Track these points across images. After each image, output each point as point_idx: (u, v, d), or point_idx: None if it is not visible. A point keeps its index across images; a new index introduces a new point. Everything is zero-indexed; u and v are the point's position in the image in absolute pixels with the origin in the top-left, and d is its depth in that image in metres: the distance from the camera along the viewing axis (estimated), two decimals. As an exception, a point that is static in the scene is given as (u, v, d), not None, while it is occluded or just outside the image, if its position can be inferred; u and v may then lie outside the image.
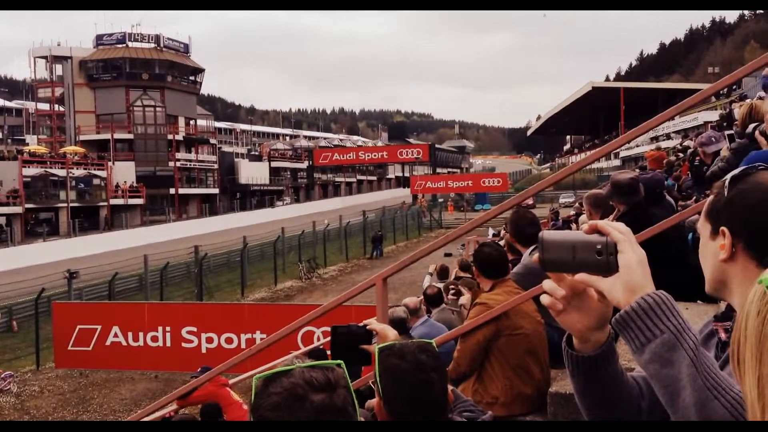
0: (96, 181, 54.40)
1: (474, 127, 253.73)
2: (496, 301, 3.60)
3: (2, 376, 15.30)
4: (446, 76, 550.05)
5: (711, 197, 1.23)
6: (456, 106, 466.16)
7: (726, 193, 1.18)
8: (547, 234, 1.15)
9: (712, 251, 1.20)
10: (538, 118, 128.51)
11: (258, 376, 1.21)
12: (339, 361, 1.33)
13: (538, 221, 4.46)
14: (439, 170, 74.63)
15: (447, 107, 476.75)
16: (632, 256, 1.09)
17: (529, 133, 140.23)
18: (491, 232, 19.57)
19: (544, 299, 1.17)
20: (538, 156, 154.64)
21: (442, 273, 8.78)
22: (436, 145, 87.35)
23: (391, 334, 2.13)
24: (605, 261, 1.10)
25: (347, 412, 1.20)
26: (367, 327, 2.19)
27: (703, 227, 1.24)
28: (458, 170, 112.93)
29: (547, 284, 1.16)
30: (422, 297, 6.47)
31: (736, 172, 1.19)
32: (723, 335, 1.27)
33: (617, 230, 1.11)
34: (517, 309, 3.59)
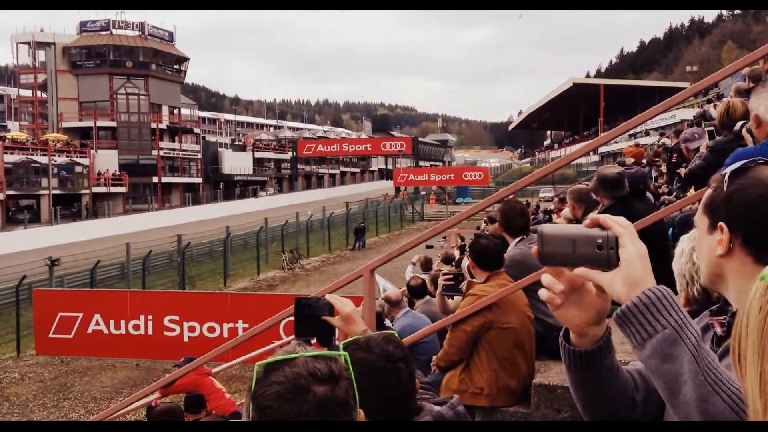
0: (78, 169, 53.74)
1: (457, 121, 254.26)
2: (488, 293, 3.60)
3: (-18, 363, 15.10)
4: (430, 70, 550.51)
5: (709, 191, 1.22)
6: (439, 99, 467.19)
7: (725, 188, 1.17)
8: (547, 227, 1.13)
9: (709, 245, 1.19)
10: (520, 113, 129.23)
11: (260, 363, 1.18)
12: (342, 352, 1.31)
13: (527, 213, 4.46)
14: (421, 163, 74.80)
15: (430, 101, 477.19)
16: (633, 250, 1.07)
17: (510, 127, 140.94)
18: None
19: (543, 294, 1.15)
20: (519, 150, 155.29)
21: (426, 265, 8.78)
22: (420, 138, 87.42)
23: (348, 308, 2.12)
24: (606, 255, 1.08)
25: (348, 405, 1.19)
26: (327, 300, 2.20)
27: (701, 221, 1.22)
28: (441, 163, 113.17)
29: (546, 279, 1.14)
30: (405, 288, 6.47)
31: (736, 166, 1.18)
32: (719, 329, 1.26)
33: (619, 224, 1.09)
34: (508, 302, 3.60)
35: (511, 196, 4.33)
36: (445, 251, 8.08)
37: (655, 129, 58.88)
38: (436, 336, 4.54)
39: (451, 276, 4.24)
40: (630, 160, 8.10)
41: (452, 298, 4.24)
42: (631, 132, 61.86)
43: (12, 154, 48.58)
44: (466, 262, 4.13)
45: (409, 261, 11.10)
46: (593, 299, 1.13)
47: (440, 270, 6.00)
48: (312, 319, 2.15)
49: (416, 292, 6.05)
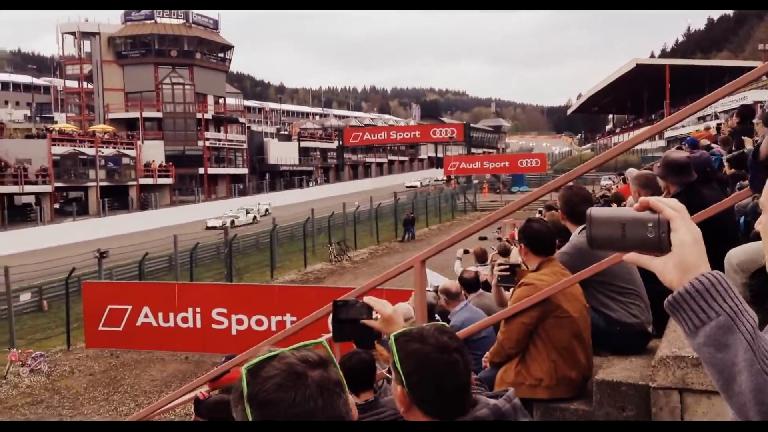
0: (125, 161, 55.27)
1: (511, 106, 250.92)
2: (544, 282, 3.57)
3: (33, 356, 15.72)
4: (482, 53, 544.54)
5: None
6: (492, 83, 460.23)
7: None
8: (596, 210, 1.13)
9: None
10: (579, 96, 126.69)
11: (245, 366, 1.23)
12: (320, 340, 1.39)
13: (592, 198, 4.38)
14: (474, 150, 74.26)
15: (483, 85, 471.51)
16: (686, 234, 1.06)
17: (569, 112, 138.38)
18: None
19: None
20: (578, 136, 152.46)
21: (482, 257, 8.71)
22: (471, 125, 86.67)
23: (388, 309, 2.13)
24: (657, 239, 1.07)
25: (342, 385, 1.25)
26: (365, 302, 2.21)
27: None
28: (494, 150, 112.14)
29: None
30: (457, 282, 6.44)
31: None
32: None
33: (670, 207, 1.08)
34: (564, 291, 3.57)
35: (571, 183, 4.25)
36: (502, 244, 8.00)
37: (725, 111, 57.04)
38: (493, 330, 4.53)
39: (507, 267, 4.22)
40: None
41: (508, 290, 4.22)
42: (700, 115, 60.14)
43: (59, 146, 50.24)
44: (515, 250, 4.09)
45: (455, 256, 11.00)
46: None
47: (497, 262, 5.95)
48: (350, 323, 2.16)
49: (469, 285, 6.03)
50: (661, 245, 1.07)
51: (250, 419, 1.20)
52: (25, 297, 20.63)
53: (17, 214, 45.95)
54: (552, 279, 3.60)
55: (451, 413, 1.66)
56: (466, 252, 10.24)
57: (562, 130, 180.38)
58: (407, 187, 65.29)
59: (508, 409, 1.73)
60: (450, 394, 1.66)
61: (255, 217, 45.28)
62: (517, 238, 3.91)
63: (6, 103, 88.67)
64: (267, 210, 48.32)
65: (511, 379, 3.59)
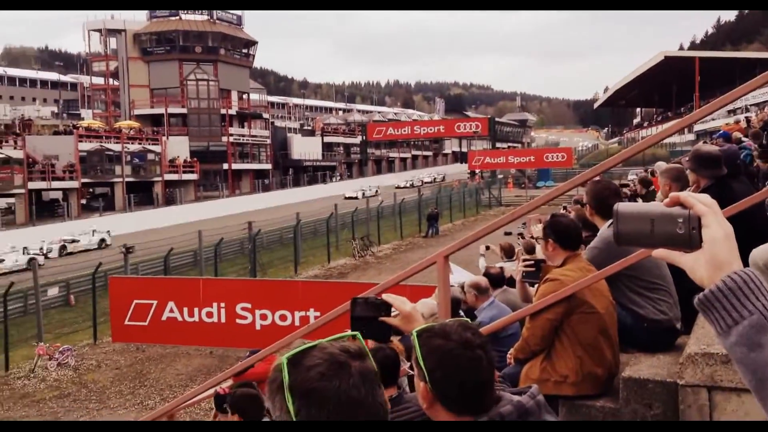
0: (150, 156, 55.92)
1: (537, 100, 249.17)
2: (569, 278, 3.54)
3: (60, 349, 15.99)
4: (507, 46, 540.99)
5: None
6: (517, 77, 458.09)
7: None
8: (623, 206, 1.11)
9: None
10: (606, 89, 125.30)
11: (285, 356, 1.24)
12: (354, 333, 1.38)
13: (621, 193, 4.32)
14: (498, 145, 73.77)
15: (507, 79, 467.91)
16: (718, 230, 1.04)
17: (595, 105, 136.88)
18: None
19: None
20: (605, 130, 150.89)
21: (509, 252, 8.64)
22: (496, 119, 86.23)
23: (408, 306, 2.12)
24: (687, 235, 1.05)
25: (378, 377, 1.27)
26: (384, 299, 2.21)
27: None
28: (519, 145, 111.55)
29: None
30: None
31: None
32: None
33: (702, 202, 1.05)
34: (590, 286, 3.53)
35: (598, 177, 4.19)
36: (527, 241, 7.94)
37: (756, 104, 56.06)
38: (519, 327, 4.50)
39: (532, 262, 4.19)
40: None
41: (533, 286, 4.20)
42: (730, 108, 59.22)
43: (86, 142, 50.98)
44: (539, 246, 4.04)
45: (479, 253, 10.95)
46: None
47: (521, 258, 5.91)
48: (368, 320, 2.16)
49: (494, 280, 5.99)
50: (691, 241, 1.05)
51: (291, 409, 1.20)
52: (53, 292, 20.97)
53: (45, 210, 46.76)
54: (578, 274, 3.57)
55: (474, 410, 1.65)
56: (487, 248, 10.18)
57: (588, 124, 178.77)
58: (346, 198, 55.86)
59: (532, 405, 1.70)
60: (473, 391, 1.65)
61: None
62: (536, 235, 3.85)
63: (34, 99, 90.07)
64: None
65: (536, 375, 3.57)
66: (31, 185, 46.35)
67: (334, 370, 1.20)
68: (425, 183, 68.15)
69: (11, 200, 46.82)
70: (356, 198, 53.16)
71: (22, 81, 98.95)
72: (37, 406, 13.41)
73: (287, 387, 1.21)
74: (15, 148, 46.42)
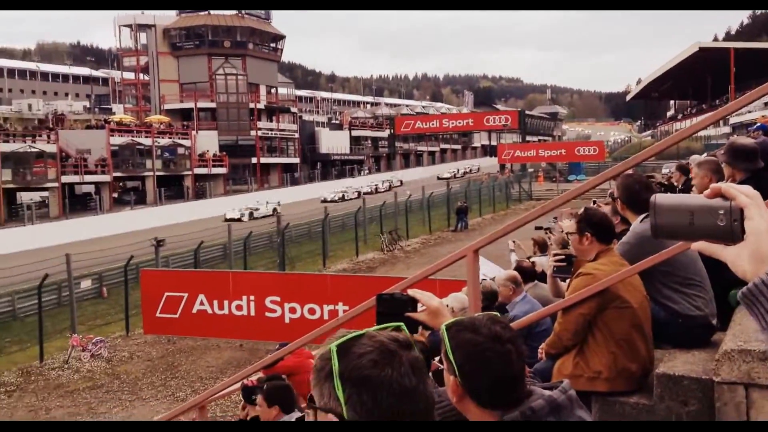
0: (180, 150, 56.57)
1: (567, 92, 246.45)
2: (603, 272, 3.52)
3: (94, 341, 16.30)
4: (536, 39, 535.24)
5: None
6: (547, 70, 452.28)
7: None
8: (660, 197, 1.09)
9: None
10: (639, 81, 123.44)
11: (334, 343, 1.24)
12: (399, 324, 1.40)
13: (653, 186, 4.26)
14: (529, 138, 73.27)
15: (537, 71, 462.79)
16: (761, 222, 1.02)
17: (628, 98, 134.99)
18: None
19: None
20: (638, 123, 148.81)
21: (543, 246, 8.58)
22: (526, 112, 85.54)
23: (434, 301, 2.12)
24: (729, 227, 1.03)
25: (426, 369, 1.28)
26: (410, 295, 2.20)
27: None
28: (550, 138, 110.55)
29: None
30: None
31: None
32: None
33: (744, 194, 1.03)
34: (624, 281, 3.50)
35: (630, 171, 4.14)
36: (560, 236, 7.86)
37: (796, 95, 54.72)
38: (550, 322, 4.48)
39: (563, 257, 4.16)
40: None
41: (564, 280, 4.16)
42: (766, 100, 57.87)
43: (117, 136, 51.73)
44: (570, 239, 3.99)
45: (509, 248, 10.86)
46: None
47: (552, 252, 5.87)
48: (394, 316, 2.16)
49: (526, 275, 5.96)
50: (733, 234, 1.03)
51: (341, 397, 1.20)
52: (86, 284, 21.33)
53: (78, 203, 47.62)
54: (611, 269, 3.54)
55: (504, 404, 1.63)
56: (514, 242, 10.10)
57: (620, 117, 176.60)
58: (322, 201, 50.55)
59: (564, 400, 1.67)
60: (503, 385, 1.64)
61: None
62: (570, 230, 3.80)
63: (66, 95, 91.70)
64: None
65: (568, 371, 3.54)
66: (65, 179, 47.20)
67: (386, 359, 1.21)
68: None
69: (45, 194, 47.80)
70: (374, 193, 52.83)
71: (55, 76, 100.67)
72: (71, 397, 13.68)
73: (337, 374, 1.21)
74: (48, 142, 47.29)
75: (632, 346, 3.48)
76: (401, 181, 63.46)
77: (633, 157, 3.99)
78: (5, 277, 19.97)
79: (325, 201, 49.01)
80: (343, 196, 53.86)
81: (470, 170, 72.15)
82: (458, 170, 71.83)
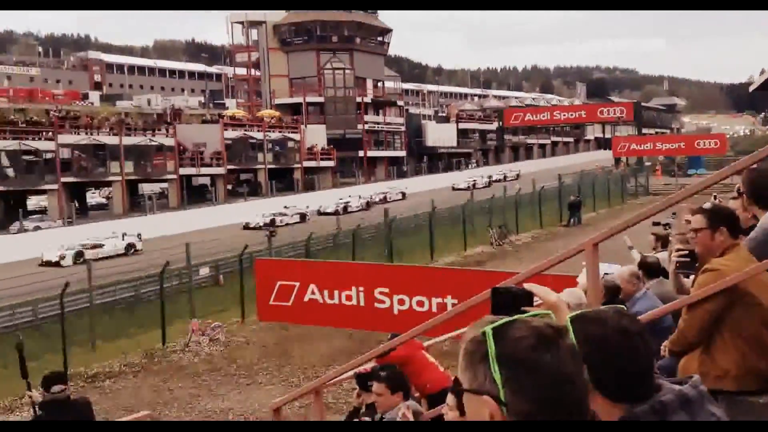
0: (290, 144, 58.34)
1: (686, 83, 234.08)
2: (730, 268, 3.44)
3: (212, 326, 17.22)
4: (651, 27, 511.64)
5: None
6: (664, 60, 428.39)
7: None
8: None
9: None
10: (762, 72, 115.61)
11: (489, 326, 1.25)
12: (548, 312, 1.41)
13: None
14: (645, 131, 70.39)
15: (654, 62, 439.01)
16: None
17: (751, 89, 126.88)
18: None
19: None
20: (761, 115, 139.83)
21: (665, 241, 8.31)
22: (642, 104, 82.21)
23: (553, 296, 2.08)
24: None
25: (582, 357, 1.27)
26: (526, 289, 2.22)
27: None
28: (667, 131, 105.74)
29: None
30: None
31: None
32: None
33: None
34: (754, 277, 3.41)
35: (755, 165, 3.99)
36: (681, 234, 7.56)
37: None
38: (672, 318, 4.40)
39: (687, 252, 4.08)
40: None
41: (688, 277, 4.09)
42: None
43: (231, 130, 54.02)
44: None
45: (626, 244, 10.56)
46: None
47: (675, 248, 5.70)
48: (509, 310, 2.18)
49: (650, 270, 5.81)
50: None
51: (498, 379, 1.20)
52: (204, 271, 22.47)
53: (195, 194, 50.16)
54: (738, 264, 3.45)
55: (632, 397, 1.63)
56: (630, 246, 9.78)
57: (743, 109, 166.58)
58: (453, 189, 53.52)
59: (695, 395, 1.65)
60: (631, 379, 1.63)
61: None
62: (698, 225, 3.72)
63: (182, 90, 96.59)
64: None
65: (694, 368, 3.49)
66: (182, 171, 49.83)
67: (545, 344, 1.21)
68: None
69: (164, 185, 50.76)
70: (466, 189, 51.44)
71: (172, 72, 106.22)
72: (192, 379, 14.50)
73: (494, 357, 1.21)
74: (167, 136, 50.03)
75: (762, 344, 3.39)
76: (518, 174, 63.16)
77: (760, 151, 3.86)
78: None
79: (456, 189, 53.44)
80: (474, 183, 55.35)
81: (505, 177, 63.26)
82: (481, 177, 61.60)
